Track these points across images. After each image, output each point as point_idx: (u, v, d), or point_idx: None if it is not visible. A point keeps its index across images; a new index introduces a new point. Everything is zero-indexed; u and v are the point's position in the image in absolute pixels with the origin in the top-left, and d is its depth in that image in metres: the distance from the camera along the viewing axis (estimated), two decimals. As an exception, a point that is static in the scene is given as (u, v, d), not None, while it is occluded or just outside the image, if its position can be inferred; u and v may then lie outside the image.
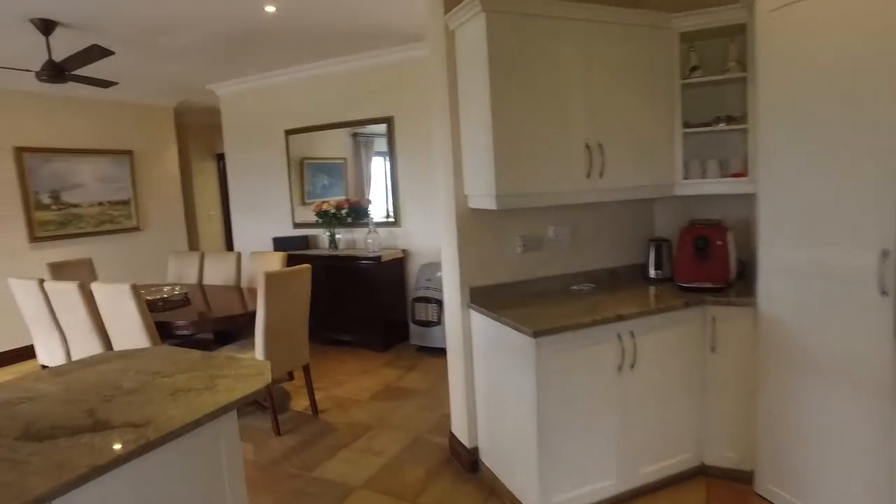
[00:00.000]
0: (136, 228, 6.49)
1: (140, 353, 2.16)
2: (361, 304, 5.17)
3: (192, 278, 4.86)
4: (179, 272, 4.96)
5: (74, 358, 3.78)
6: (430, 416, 3.63)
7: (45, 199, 5.65)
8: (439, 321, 4.84)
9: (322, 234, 5.74)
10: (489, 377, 2.67)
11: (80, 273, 4.77)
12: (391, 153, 5.40)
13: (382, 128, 5.42)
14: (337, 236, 5.60)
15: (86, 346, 3.64)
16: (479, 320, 2.67)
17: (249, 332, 3.59)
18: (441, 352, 4.74)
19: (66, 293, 3.55)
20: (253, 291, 4.12)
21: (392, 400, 3.97)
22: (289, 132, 5.98)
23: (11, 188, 5.41)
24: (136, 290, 3.24)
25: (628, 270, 3.12)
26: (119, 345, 3.50)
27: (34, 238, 5.56)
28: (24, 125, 5.51)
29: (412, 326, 5.06)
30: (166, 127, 6.87)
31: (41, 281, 3.73)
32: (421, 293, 5.01)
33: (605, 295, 2.74)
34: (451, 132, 2.72)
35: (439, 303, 4.82)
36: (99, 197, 6.10)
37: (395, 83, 5.25)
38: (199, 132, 8.20)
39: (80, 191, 5.93)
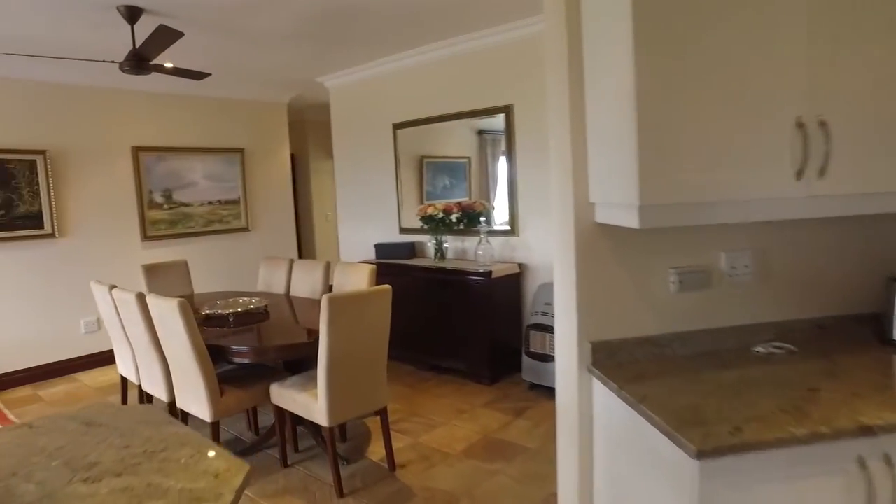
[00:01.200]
0: (245, 229, 6.29)
1: (84, 418, 1.55)
2: (468, 327, 4.40)
3: (280, 287, 4.40)
4: (269, 280, 4.53)
5: (143, 374, 3.42)
6: (534, 495, 2.74)
7: (158, 198, 5.57)
8: (557, 356, 3.91)
9: (429, 242, 5.06)
10: (616, 485, 1.74)
11: (173, 276, 4.51)
12: (509, 148, 4.56)
13: (501, 121, 4.60)
14: (444, 245, 4.87)
15: (148, 362, 3.24)
16: (605, 395, 1.75)
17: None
18: (557, 396, 3.83)
19: (127, 303, 3.17)
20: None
21: (489, 459, 3.14)
22: (397, 126, 5.37)
23: (128, 187, 5.37)
24: (184, 307, 2.73)
25: (848, 325, 1.99)
26: (173, 367, 3.04)
27: (146, 237, 5.49)
28: (140, 125, 5.46)
29: (525, 359, 4.18)
30: (279, 124, 6.62)
31: (111, 287, 3.41)
32: (537, 319, 4.11)
33: (814, 366, 1.69)
34: (571, 115, 1.83)
35: (558, 333, 3.90)
36: (209, 196, 5.96)
37: (515, 66, 4.41)
38: (317, 129, 7.96)
39: (191, 190, 5.81)
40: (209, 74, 4.06)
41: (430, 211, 4.78)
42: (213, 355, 2.88)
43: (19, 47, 4.05)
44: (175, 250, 5.67)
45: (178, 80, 5.31)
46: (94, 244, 5.19)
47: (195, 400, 2.92)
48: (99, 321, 5.19)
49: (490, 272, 4.25)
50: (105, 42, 4.03)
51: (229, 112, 6.11)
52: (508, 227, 4.63)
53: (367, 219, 5.83)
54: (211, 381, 2.84)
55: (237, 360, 2.85)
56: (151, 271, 4.47)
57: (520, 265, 4.54)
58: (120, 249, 5.34)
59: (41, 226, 4.85)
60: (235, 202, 6.18)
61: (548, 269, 4.35)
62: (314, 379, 2.81)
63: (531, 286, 4.48)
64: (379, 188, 5.65)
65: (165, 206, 5.62)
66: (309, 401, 2.77)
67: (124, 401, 3.95)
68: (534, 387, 4.14)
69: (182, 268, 4.66)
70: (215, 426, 2.90)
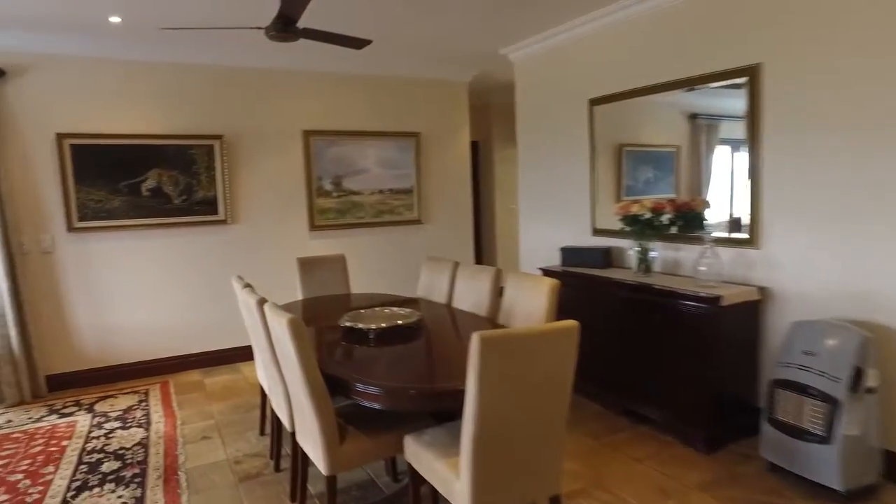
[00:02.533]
0: (417, 221, 5.73)
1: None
2: (679, 368, 3.23)
3: (441, 295, 3.67)
4: (430, 285, 3.82)
5: (269, 390, 2.90)
6: None
7: (327, 186, 5.23)
8: (827, 436, 2.58)
9: (630, 250, 3.95)
10: None
11: (329, 272, 4.04)
12: (753, 128, 3.24)
13: (724, 102, 3.32)
14: (651, 254, 3.72)
15: (271, 378, 2.70)
16: None
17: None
18: (826, 493, 2.52)
19: (250, 308, 2.65)
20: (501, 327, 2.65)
21: None
22: (594, 102, 4.31)
23: (298, 174, 5.11)
24: (295, 327, 2.07)
25: None
26: (290, 392, 2.43)
27: (313, 226, 5.19)
28: (312, 107, 5.15)
29: (767, 427, 2.88)
30: (459, 106, 5.93)
31: (245, 286, 2.94)
32: (790, 374, 2.79)
33: None
34: None
35: (830, 400, 2.57)
36: (380, 184, 5.49)
37: (765, 6, 3.09)
38: (502, 114, 7.18)
39: (361, 177, 5.39)
40: (369, 42, 3.45)
41: (634, 209, 3.66)
42: (336, 387, 2.20)
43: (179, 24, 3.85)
44: (341, 242, 5.31)
45: (350, 60, 4.90)
46: (262, 232, 5.00)
47: (310, 441, 2.28)
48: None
49: (718, 297, 3.03)
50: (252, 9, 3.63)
51: (405, 93, 5.58)
52: (745, 236, 3.32)
53: (553, 216, 4.87)
54: (327, 422, 2.16)
55: (363, 402, 2.13)
56: (307, 266, 4.05)
57: (761, 290, 3.22)
58: (287, 239, 5.10)
59: (215, 211, 4.75)
60: (408, 192, 5.64)
61: (811, 301, 2.99)
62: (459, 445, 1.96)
63: (779, 322, 3.15)
64: (569, 180, 4.65)
65: (334, 194, 5.27)
66: (449, 475, 1.94)
67: (263, 415, 3.53)
68: (777, 470, 2.84)
69: (339, 263, 4.18)
70: (331, 482, 2.22)
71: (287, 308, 3.63)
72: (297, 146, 5.07)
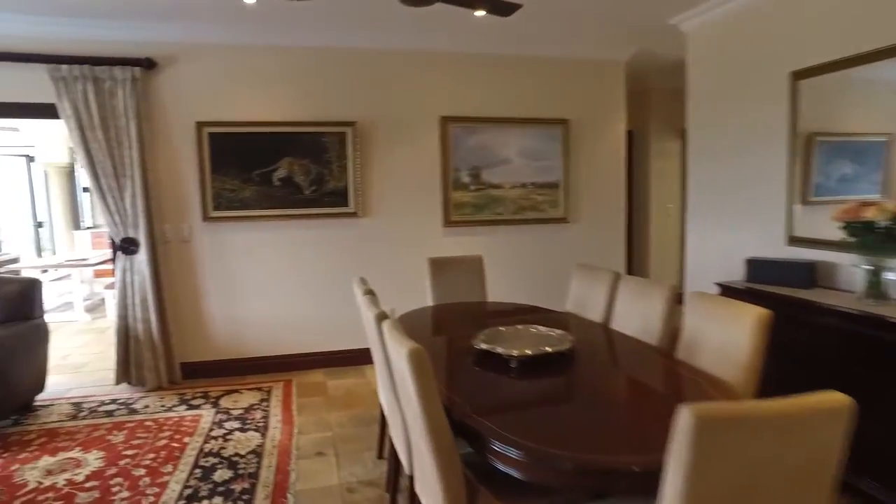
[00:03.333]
0: (563, 220, 5.06)
1: None
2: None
3: (596, 311, 3.01)
4: (583, 297, 3.17)
5: (389, 417, 2.46)
6: None
7: (464, 178, 4.76)
8: None
9: (849, 266, 3.00)
10: None
11: (463, 275, 3.57)
12: None
13: None
14: (887, 275, 2.76)
15: (390, 405, 2.25)
16: None
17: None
18: None
19: (369, 322, 2.21)
20: (688, 371, 1.97)
21: None
22: (797, 75, 3.36)
23: (433, 164, 4.69)
24: (418, 360, 1.56)
25: None
26: (410, 430, 1.94)
27: (448, 222, 4.75)
28: (451, 92, 4.70)
29: None
30: (614, 89, 5.16)
31: (366, 292, 2.52)
32: None
33: None
34: None
35: None
36: (522, 177, 4.91)
37: None
38: (663, 100, 6.26)
39: (501, 169, 4.84)
40: (518, 6, 2.86)
41: (866, 214, 2.72)
42: (466, 435, 1.67)
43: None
44: (477, 241, 4.81)
45: (493, 39, 4.40)
46: (393, 227, 4.66)
47: (430, 497, 1.77)
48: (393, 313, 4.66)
49: None
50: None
51: (554, 76, 4.94)
52: None
53: (732, 218, 3.97)
54: (452, 480, 1.64)
55: (499, 464, 1.58)
56: (439, 268, 3.60)
57: None
58: (419, 235, 4.71)
59: (346, 203, 4.48)
60: (553, 186, 5.00)
61: None
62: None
63: None
64: (756, 173, 3.73)
65: (472, 188, 4.78)
66: None
67: (382, 436, 3.12)
68: None
69: (475, 266, 3.68)
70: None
71: (414, 316, 3.19)
72: (433, 134, 4.65)
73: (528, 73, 4.85)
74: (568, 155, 4.99)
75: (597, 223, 5.21)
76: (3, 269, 7.43)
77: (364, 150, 4.49)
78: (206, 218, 4.25)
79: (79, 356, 5.19)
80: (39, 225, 9.49)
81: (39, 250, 9.47)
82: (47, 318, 3.97)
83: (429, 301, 3.59)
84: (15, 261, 8.37)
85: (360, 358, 4.64)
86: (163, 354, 4.21)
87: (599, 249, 5.18)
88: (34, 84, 3.85)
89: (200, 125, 4.16)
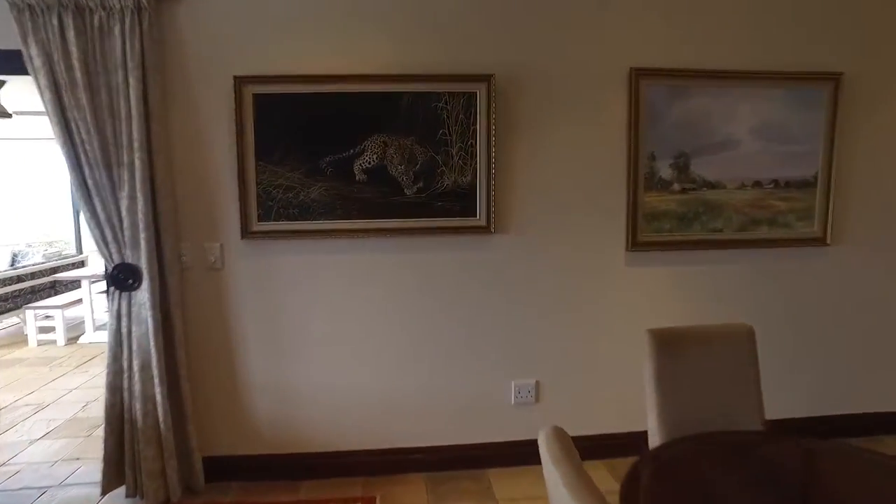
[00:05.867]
0: (820, 241, 3.05)
1: None
2: None
3: None
4: None
5: None
6: None
7: (664, 171, 2.85)
8: None
9: None
10: None
11: (714, 363, 1.68)
12: None
13: None
14: None
15: None
16: None
17: None
18: None
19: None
20: None
21: None
22: None
23: (614, 147, 2.82)
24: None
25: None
26: None
27: (635, 243, 2.85)
28: (643, 31, 2.80)
29: None
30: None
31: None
32: None
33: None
34: None
35: None
36: (757, 171, 2.94)
37: None
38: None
39: (722, 157, 2.89)
40: None
41: None
42: None
43: None
44: (681, 275, 2.91)
45: None
46: (546, 252, 2.82)
47: None
48: (538, 387, 2.85)
49: None
50: None
51: (801, 3, 2.94)
52: None
53: None
54: None
55: None
56: (668, 345, 1.74)
57: None
58: (588, 265, 2.85)
59: (471, 210, 2.70)
60: (806, 185, 3.00)
61: None
62: None
63: None
64: None
65: (675, 187, 2.87)
66: None
67: None
68: None
69: (739, 345, 1.79)
70: None
71: (637, 474, 1.34)
72: (615, 97, 2.78)
73: (758, 6, 2.88)
74: (836, 134, 2.97)
75: (876, 245, 3.14)
76: (57, 276, 6.31)
77: (504, 123, 2.70)
78: (248, 233, 2.61)
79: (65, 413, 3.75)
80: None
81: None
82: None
83: (648, 422, 1.76)
84: (81, 264, 7.32)
85: (481, 458, 2.86)
86: (174, 449, 2.62)
87: (879, 289, 3.13)
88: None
89: (241, 81, 2.53)
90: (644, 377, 1.80)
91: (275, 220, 2.57)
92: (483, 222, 2.70)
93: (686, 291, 2.92)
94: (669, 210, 2.85)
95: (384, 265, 2.71)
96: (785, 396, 3.09)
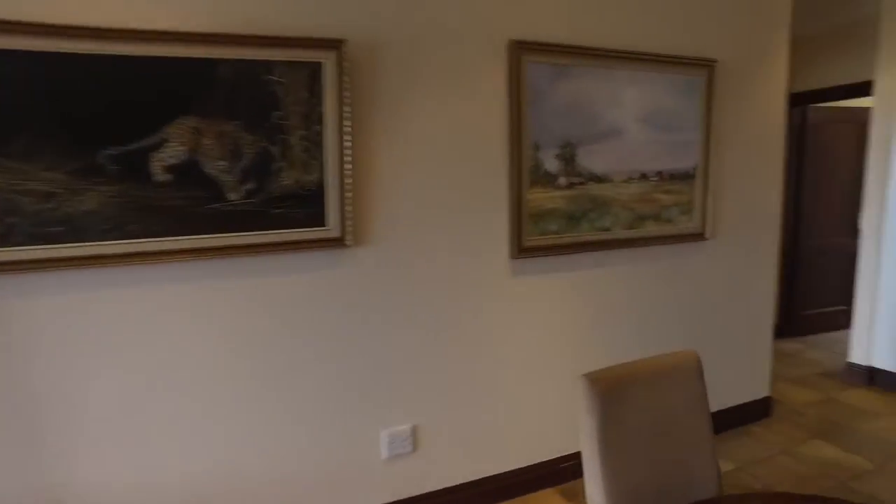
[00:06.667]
0: (700, 236, 2.88)
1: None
2: None
3: None
4: None
5: None
6: None
7: (550, 162, 2.45)
8: None
9: None
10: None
11: (660, 406, 1.26)
12: None
13: None
14: None
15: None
16: None
17: None
18: None
19: None
20: None
21: None
22: None
23: (493, 133, 2.34)
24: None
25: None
26: None
27: (521, 249, 2.42)
28: (525, 2, 2.37)
29: None
30: (776, 11, 3.02)
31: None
32: None
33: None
34: None
35: None
36: (644, 162, 2.67)
37: None
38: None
39: (610, 146, 2.58)
40: None
41: None
42: None
43: None
44: (576, 282, 2.55)
45: None
46: (412, 265, 2.26)
47: None
48: (416, 433, 2.31)
49: None
50: None
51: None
52: None
53: None
54: None
55: None
56: (610, 392, 1.30)
57: None
58: (468, 279, 2.36)
59: (319, 219, 2.06)
60: (687, 176, 2.81)
61: None
62: None
63: None
64: None
65: (561, 181, 2.48)
66: None
67: None
68: None
69: (691, 376, 1.41)
70: None
71: None
72: (494, 75, 2.31)
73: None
74: (711, 122, 2.80)
75: (744, 240, 3.06)
76: None
77: (360, 103, 2.09)
78: (-28, 265, 1.71)
79: None
80: None
81: None
82: None
83: (587, 490, 1.30)
84: None
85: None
86: None
87: (745, 282, 3.07)
88: None
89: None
90: (581, 436, 1.34)
91: (19, 245, 1.71)
92: (336, 233, 2.07)
93: (579, 300, 2.57)
94: (557, 208, 2.46)
95: (205, 297, 1.97)
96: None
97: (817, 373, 4.10)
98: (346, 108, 2.02)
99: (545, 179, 2.42)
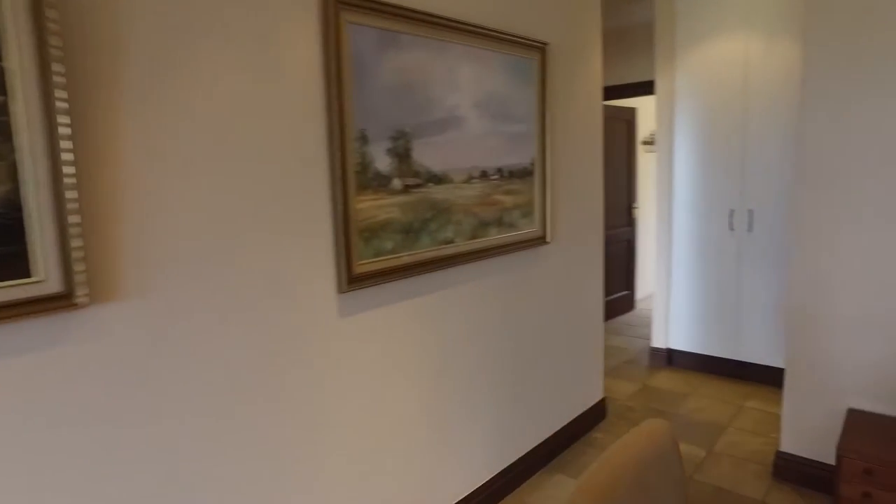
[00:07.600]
0: (542, 239, 2.58)
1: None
2: None
3: None
4: None
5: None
6: None
7: (380, 158, 1.86)
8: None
9: None
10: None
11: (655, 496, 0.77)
12: None
13: None
14: None
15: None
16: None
17: None
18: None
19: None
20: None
21: None
22: None
23: (307, 118, 1.66)
24: None
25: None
26: None
27: (352, 277, 1.78)
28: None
29: None
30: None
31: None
32: None
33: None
34: None
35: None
36: (484, 157, 2.25)
37: None
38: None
39: (448, 138, 2.10)
40: None
41: None
42: None
43: None
44: (415, 310, 2.02)
45: None
46: (182, 317, 1.49)
47: None
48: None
49: None
50: None
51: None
52: None
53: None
54: None
55: None
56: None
57: None
58: (274, 330, 1.65)
59: (24, 267, 1.18)
60: (526, 173, 2.47)
61: None
62: None
63: None
64: None
65: (397, 183, 1.91)
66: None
67: None
68: None
69: (671, 461, 0.98)
70: None
71: None
72: (302, 39, 1.62)
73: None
74: (546, 112, 2.50)
75: (576, 240, 2.86)
76: None
77: (86, 70, 1.24)
78: None
79: None
80: None
81: None
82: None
83: None
84: None
85: None
86: None
87: (579, 289, 2.89)
88: None
89: None
90: None
91: None
92: (56, 287, 1.22)
93: (423, 332, 2.04)
94: (392, 219, 1.89)
95: None
96: (534, 426, 2.57)
97: (625, 361, 4.22)
98: (57, 79, 1.17)
99: (376, 182, 1.83)
